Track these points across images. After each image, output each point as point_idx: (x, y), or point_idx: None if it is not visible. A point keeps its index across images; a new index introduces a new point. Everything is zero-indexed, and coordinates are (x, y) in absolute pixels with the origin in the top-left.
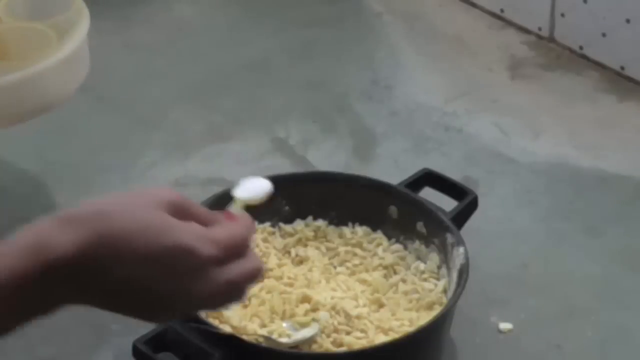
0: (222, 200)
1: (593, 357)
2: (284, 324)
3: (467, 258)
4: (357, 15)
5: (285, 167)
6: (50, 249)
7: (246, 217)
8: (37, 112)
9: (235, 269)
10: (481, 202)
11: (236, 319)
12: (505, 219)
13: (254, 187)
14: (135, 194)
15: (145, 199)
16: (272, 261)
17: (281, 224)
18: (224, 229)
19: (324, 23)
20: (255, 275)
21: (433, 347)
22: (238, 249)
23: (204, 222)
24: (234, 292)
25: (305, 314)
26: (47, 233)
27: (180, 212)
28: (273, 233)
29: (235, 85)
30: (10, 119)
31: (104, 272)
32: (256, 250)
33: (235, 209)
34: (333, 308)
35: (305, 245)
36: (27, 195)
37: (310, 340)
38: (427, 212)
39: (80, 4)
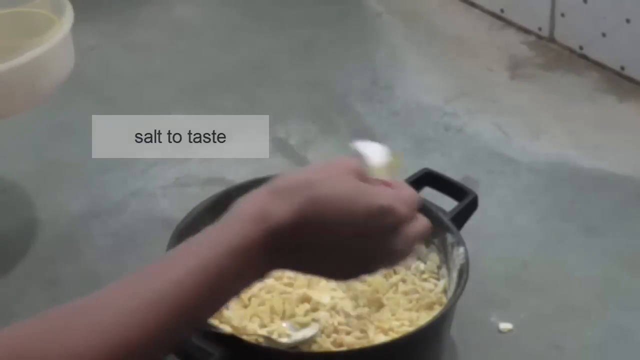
0: (222, 201)
1: (593, 357)
2: (284, 324)
3: (467, 258)
4: (357, 15)
5: (285, 167)
6: (272, 217)
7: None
8: (48, 92)
9: (418, 225)
10: (481, 202)
11: (236, 319)
12: (505, 219)
13: (375, 152)
14: (329, 165)
15: (340, 168)
16: None
17: None
18: (407, 191)
19: (324, 23)
20: (428, 231)
21: (433, 347)
22: (417, 208)
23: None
24: (413, 247)
25: (305, 314)
26: (266, 203)
27: (364, 178)
28: None
29: (235, 85)
30: (27, 99)
31: (317, 234)
32: None
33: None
34: (333, 308)
35: None
36: (27, 195)
37: (310, 340)
38: (427, 212)
39: None
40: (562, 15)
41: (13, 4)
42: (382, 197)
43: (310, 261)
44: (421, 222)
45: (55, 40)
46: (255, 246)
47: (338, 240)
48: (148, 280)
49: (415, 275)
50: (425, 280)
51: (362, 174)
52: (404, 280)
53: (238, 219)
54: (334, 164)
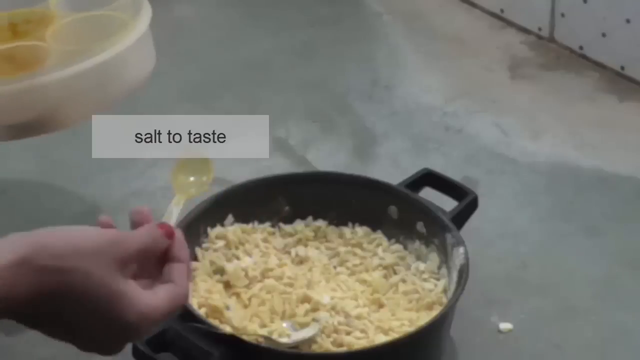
0: (222, 201)
1: (593, 357)
2: (284, 324)
3: (467, 258)
4: (357, 15)
5: (285, 167)
6: (6, 293)
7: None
8: (121, 96)
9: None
10: (481, 202)
11: (237, 320)
12: (505, 219)
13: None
14: (94, 250)
15: (105, 257)
16: (272, 261)
17: (281, 224)
18: (167, 301)
19: (324, 23)
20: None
21: (433, 347)
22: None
23: (150, 273)
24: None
25: (305, 314)
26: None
27: (126, 269)
28: (273, 233)
29: (235, 85)
30: (98, 104)
31: (54, 320)
32: (256, 250)
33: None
34: (333, 308)
35: (305, 245)
36: (27, 195)
37: (310, 340)
38: (427, 212)
39: None
40: (562, 15)
41: (93, 6)
42: (131, 312)
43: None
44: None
45: (126, 43)
46: None
47: (75, 328)
48: None
49: (415, 275)
50: (425, 280)
51: (126, 264)
52: (404, 280)
53: None
54: (100, 250)
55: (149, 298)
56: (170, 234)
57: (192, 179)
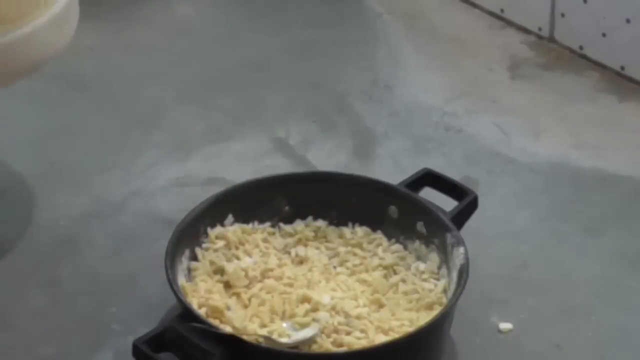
0: (222, 201)
1: (593, 357)
2: (284, 324)
3: (467, 258)
4: (357, 15)
5: (285, 167)
6: None
7: None
8: (29, 71)
9: None
10: (481, 202)
11: (237, 320)
12: (505, 219)
13: None
14: None
15: None
16: (272, 261)
17: (281, 224)
18: None
19: (324, 23)
20: None
21: (433, 347)
22: None
23: None
24: None
25: (305, 314)
26: None
27: None
28: (273, 233)
29: (235, 85)
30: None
31: None
32: (256, 250)
33: None
34: (333, 308)
35: (305, 245)
36: (27, 195)
37: (310, 340)
38: (427, 212)
39: None
40: (562, 15)
41: None
42: None
43: None
44: None
45: (40, 21)
46: None
47: None
48: None
49: (415, 275)
50: (425, 280)
51: None
52: (404, 280)
53: None
54: None
55: None
56: None
57: None
